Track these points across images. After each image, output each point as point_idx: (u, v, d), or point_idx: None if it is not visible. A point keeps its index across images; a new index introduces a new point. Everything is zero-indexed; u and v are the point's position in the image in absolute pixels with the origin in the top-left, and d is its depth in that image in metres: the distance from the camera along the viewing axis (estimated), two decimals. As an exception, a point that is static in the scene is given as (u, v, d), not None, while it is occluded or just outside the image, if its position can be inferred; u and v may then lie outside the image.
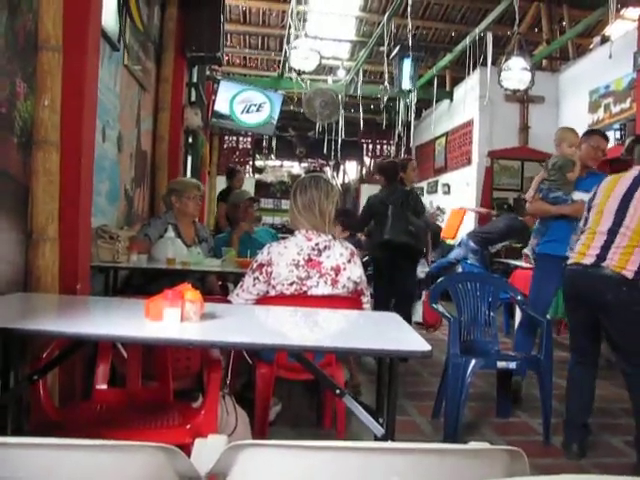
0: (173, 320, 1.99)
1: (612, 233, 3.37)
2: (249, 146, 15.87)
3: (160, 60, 6.23)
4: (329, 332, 2.45)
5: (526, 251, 4.68)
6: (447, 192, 12.30)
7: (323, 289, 3.07)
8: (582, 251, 3.50)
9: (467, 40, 9.49)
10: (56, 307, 2.59)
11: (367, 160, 16.58)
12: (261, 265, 3.10)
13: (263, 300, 3.05)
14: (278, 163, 17.52)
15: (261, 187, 16.53)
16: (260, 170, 17.09)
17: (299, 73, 8.47)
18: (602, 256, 3.36)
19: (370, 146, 16.42)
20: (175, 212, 4.61)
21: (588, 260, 3.42)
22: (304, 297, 3.01)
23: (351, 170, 17.61)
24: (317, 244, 3.12)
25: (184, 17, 6.54)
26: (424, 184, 14.24)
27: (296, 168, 17.63)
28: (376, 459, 1.16)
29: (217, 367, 2.37)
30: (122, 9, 4.31)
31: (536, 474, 2.77)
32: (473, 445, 1.19)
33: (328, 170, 17.62)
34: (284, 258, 3.08)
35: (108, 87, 4.38)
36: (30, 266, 2.85)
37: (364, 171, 16.63)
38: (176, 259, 4.15)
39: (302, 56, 8.01)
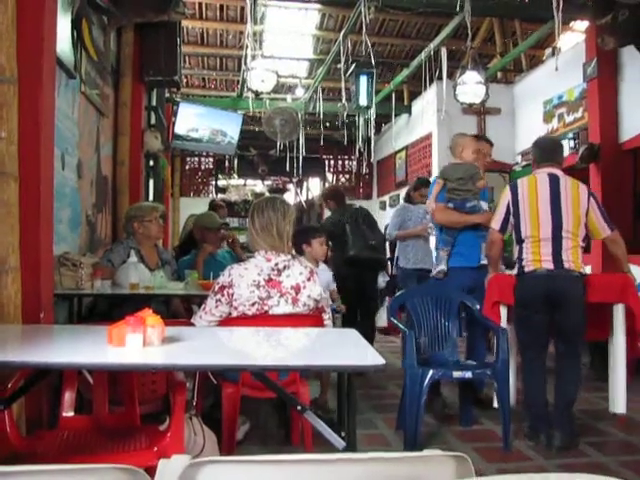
0: (135, 345, 2.03)
1: (557, 238, 3.88)
2: (211, 166, 15.90)
3: (118, 85, 6.27)
4: (289, 350, 2.50)
5: (443, 267, 4.54)
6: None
7: (284, 308, 3.13)
8: (536, 258, 3.92)
9: (422, 55, 9.64)
10: (19, 337, 2.61)
11: (330, 176, 16.69)
12: (222, 287, 3.15)
13: (226, 321, 3.10)
14: (241, 182, 17.52)
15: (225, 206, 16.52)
16: (223, 190, 17.08)
17: (257, 94, 8.53)
18: (559, 260, 3.86)
19: (332, 162, 16.55)
20: (138, 237, 4.63)
21: (548, 265, 3.87)
22: (266, 317, 3.07)
23: (314, 186, 17.67)
24: (277, 264, 3.19)
25: (141, 41, 6.58)
26: (386, 198, 14.37)
27: (259, 186, 17.64)
28: (331, 470, 1.22)
29: (182, 389, 2.41)
30: (76, 40, 4.34)
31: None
32: (421, 453, 1.25)
33: (291, 187, 17.66)
34: (245, 279, 3.13)
35: (66, 115, 4.41)
36: (-8, 298, 2.86)
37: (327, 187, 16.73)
38: (139, 284, 4.17)
39: (259, 77, 8.07)
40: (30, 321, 2.96)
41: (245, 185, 17.81)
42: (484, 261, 4.50)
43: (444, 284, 4.53)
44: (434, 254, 6.44)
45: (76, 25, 4.08)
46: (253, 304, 3.10)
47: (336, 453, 1.19)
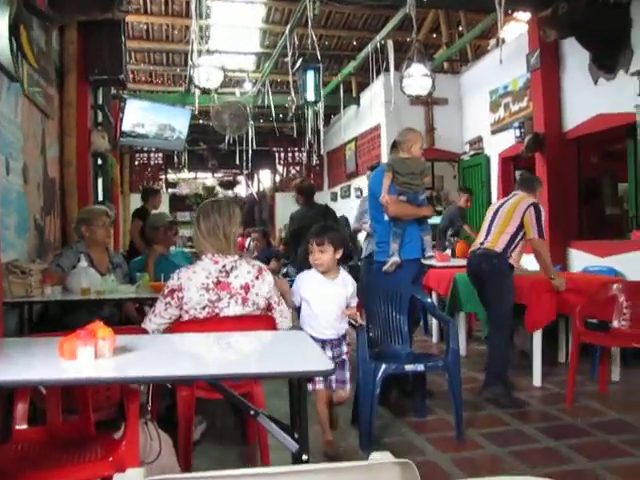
0: (87, 358, 2.04)
1: (488, 229, 4.96)
2: (161, 161, 15.80)
3: (63, 85, 6.18)
4: (240, 357, 2.52)
5: (397, 259, 4.60)
6: (360, 196, 12.51)
7: (234, 309, 3.15)
8: (475, 243, 5.09)
9: (369, 47, 9.71)
10: (-33, 352, 2.57)
11: (280, 168, 16.71)
12: (172, 290, 3.16)
13: (178, 326, 3.10)
14: (192, 175, 17.46)
15: (176, 200, 16.48)
16: (174, 184, 17.02)
17: (204, 91, 8.49)
18: (483, 242, 4.92)
19: (282, 154, 16.57)
20: (87, 241, 4.60)
21: (476, 247, 4.98)
22: (218, 320, 3.09)
23: (265, 178, 17.68)
24: (224, 266, 3.21)
25: (84, 40, 6.50)
26: (337, 189, 14.45)
27: (210, 180, 17.61)
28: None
29: (135, 397, 2.42)
30: (14, 45, 4.24)
31: (454, 467, 2.96)
32: (366, 462, 1.30)
33: (242, 180, 17.67)
34: (194, 283, 3.15)
35: (9, 119, 4.34)
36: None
37: (277, 179, 16.75)
38: (91, 288, 4.13)
39: (205, 75, 8.03)
40: (-21, 333, 2.93)
41: (196, 178, 17.75)
42: (430, 253, 4.79)
43: (394, 276, 4.61)
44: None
45: (14, 32, 3.99)
46: (204, 307, 3.12)
47: (285, 466, 1.23)
